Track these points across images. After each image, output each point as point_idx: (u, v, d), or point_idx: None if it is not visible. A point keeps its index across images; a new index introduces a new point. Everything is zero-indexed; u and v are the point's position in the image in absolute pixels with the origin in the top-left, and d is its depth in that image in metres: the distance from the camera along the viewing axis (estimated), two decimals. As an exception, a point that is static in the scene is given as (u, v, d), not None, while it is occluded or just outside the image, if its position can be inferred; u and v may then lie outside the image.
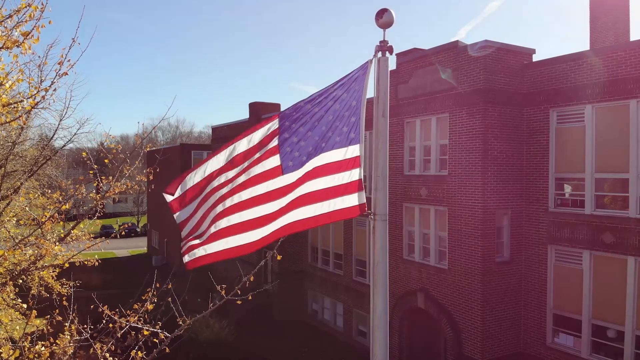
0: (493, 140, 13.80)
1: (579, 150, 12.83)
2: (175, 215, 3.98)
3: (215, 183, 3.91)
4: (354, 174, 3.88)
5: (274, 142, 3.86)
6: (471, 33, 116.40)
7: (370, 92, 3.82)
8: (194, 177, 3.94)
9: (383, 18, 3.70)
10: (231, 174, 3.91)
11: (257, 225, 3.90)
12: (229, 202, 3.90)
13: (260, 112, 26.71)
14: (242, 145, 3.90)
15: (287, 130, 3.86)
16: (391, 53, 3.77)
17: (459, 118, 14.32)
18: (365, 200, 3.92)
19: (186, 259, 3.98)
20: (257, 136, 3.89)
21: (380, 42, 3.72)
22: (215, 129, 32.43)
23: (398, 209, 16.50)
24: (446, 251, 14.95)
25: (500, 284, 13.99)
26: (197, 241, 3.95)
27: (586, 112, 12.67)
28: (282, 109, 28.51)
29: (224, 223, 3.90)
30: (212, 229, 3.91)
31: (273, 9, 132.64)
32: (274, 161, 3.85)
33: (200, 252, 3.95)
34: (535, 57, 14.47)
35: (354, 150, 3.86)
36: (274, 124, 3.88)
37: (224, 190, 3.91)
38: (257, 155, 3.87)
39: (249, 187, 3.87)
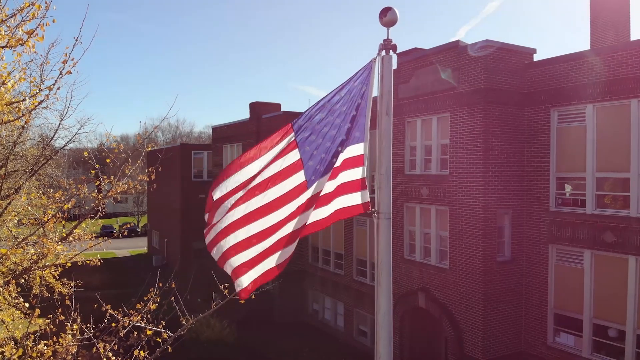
0: (494, 139, 13.79)
1: (580, 150, 12.83)
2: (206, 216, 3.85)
3: (238, 198, 3.77)
4: (357, 172, 3.87)
5: (296, 157, 3.76)
6: (471, 33, 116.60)
7: (373, 91, 3.81)
8: (226, 185, 3.78)
9: (387, 16, 3.66)
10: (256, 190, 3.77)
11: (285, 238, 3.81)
12: (262, 224, 3.74)
13: (260, 112, 26.66)
14: (262, 159, 3.78)
15: (304, 142, 3.78)
16: (395, 51, 3.72)
17: (459, 118, 14.32)
18: (368, 199, 3.92)
19: (241, 283, 3.78)
20: (276, 151, 3.78)
21: (384, 40, 3.68)
22: (215, 129, 32.40)
23: (399, 208, 16.49)
24: (447, 251, 14.94)
25: (501, 283, 13.98)
26: (240, 262, 3.78)
27: (587, 111, 12.67)
28: (283, 109, 28.39)
29: (265, 244, 3.76)
30: (252, 253, 3.77)
31: (273, 10, 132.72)
32: (299, 177, 3.75)
33: (252, 275, 3.80)
34: (536, 57, 14.47)
35: (358, 149, 3.85)
36: (291, 137, 3.78)
37: (250, 209, 3.75)
38: (280, 170, 3.76)
39: (277, 209, 3.74)
